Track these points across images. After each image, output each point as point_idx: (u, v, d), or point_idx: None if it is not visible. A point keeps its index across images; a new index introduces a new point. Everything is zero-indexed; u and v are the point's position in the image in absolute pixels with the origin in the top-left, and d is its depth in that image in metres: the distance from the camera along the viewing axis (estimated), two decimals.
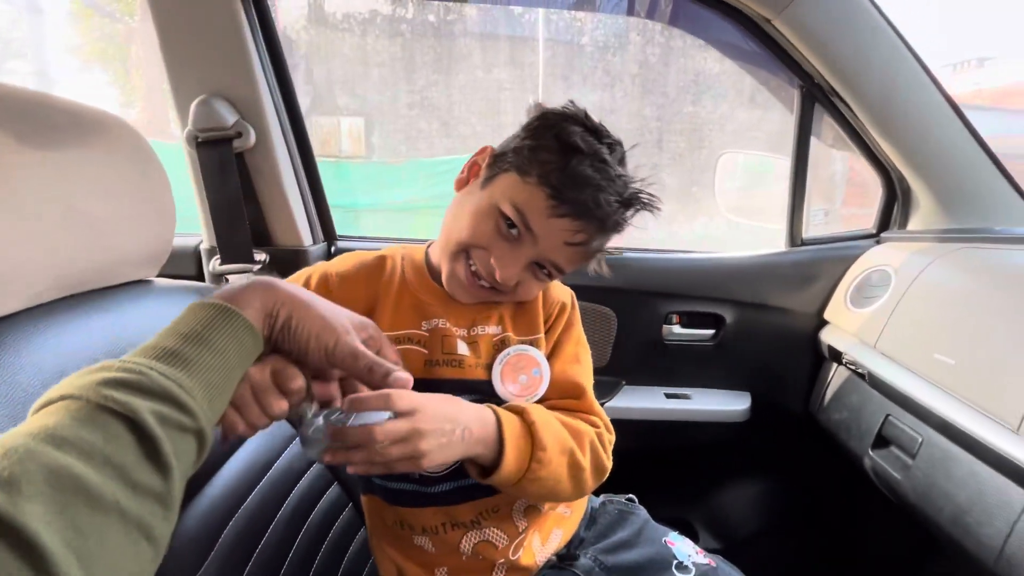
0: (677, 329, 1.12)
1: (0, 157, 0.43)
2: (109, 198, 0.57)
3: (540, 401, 0.62)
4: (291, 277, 0.62)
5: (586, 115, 0.58)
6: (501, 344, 0.62)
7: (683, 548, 0.69)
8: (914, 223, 1.08)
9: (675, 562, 0.66)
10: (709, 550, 0.71)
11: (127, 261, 0.61)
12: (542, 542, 0.65)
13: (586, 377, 0.66)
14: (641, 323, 1.10)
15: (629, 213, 0.57)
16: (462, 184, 0.61)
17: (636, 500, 0.76)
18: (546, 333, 0.65)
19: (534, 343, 0.63)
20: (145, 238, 0.63)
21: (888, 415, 0.87)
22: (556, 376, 0.63)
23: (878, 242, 1.10)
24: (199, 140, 0.88)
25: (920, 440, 0.80)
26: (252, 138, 0.89)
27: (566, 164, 0.53)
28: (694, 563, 0.67)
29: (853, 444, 0.94)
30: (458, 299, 0.61)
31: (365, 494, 0.68)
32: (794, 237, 1.11)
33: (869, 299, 0.99)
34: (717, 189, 1.30)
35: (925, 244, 0.98)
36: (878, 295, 0.97)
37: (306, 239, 0.99)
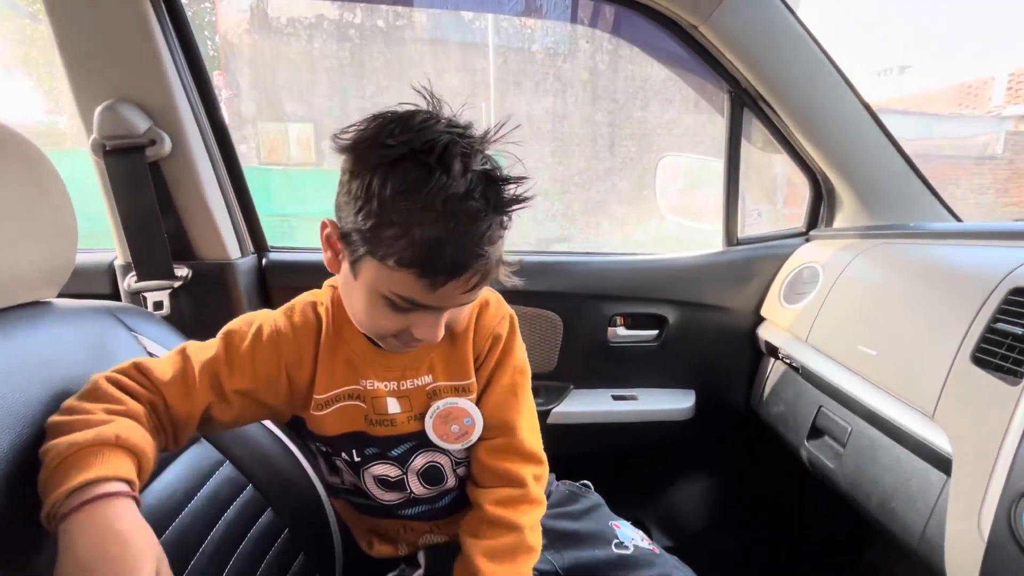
0: (622, 331, 1.13)
1: None
2: None
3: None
4: (236, 321, 0.59)
5: (386, 136, 0.46)
6: (433, 394, 0.61)
7: (628, 532, 0.72)
8: (839, 221, 1.13)
9: (615, 540, 0.69)
10: (662, 548, 0.73)
11: (18, 282, 0.56)
12: None
13: (521, 409, 0.65)
14: (586, 326, 1.10)
15: (506, 221, 0.49)
16: (334, 265, 0.55)
17: (591, 487, 0.79)
18: (478, 370, 0.63)
19: (465, 388, 0.62)
20: (41, 257, 0.57)
21: (821, 406, 0.91)
22: (489, 412, 0.63)
23: (807, 240, 1.15)
24: (107, 149, 0.81)
25: (849, 430, 0.83)
26: (167, 146, 0.83)
27: (413, 236, 0.44)
28: (635, 545, 0.69)
29: (791, 436, 0.97)
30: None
31: (333, 497, 0.74)
32: (730, 237, 1.14)
33: (800, 295, 1.02)
34: (659, 192, 1.33)
35: (849, 241, 1.03)
36: (808, 291, 1.00)
37: (233, 251, 0.94)
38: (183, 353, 0.56)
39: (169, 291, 0.88)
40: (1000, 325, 0.62)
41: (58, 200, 0.58)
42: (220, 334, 0.58)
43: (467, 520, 0.62)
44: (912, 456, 0.70)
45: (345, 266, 0.53)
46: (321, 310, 0.61)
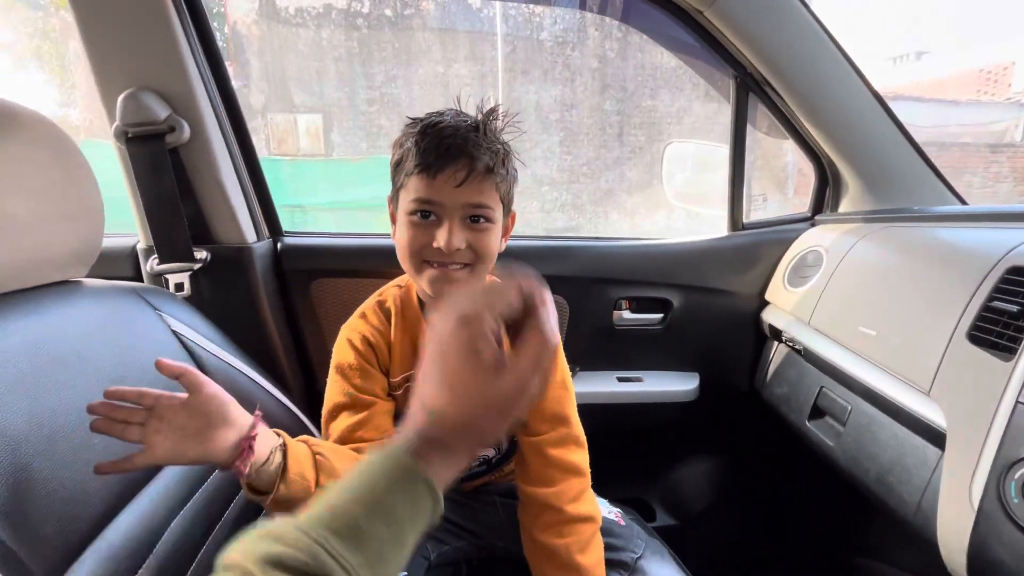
0: (627, 314, 1.15)
1: None
2: (28, 196, 0.54)
3: (531, 434, 0.70)
4: (337, 344, 0.71)
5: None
6: None
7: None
8: (844, 206, 1.14)
9: None
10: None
11: (51, 261, 0.59)
12: None
13: (571, 401, 0.73)
14: (592, 310, 1.12)
15: (489, 135, 0.62)
16: (394, 232, 0.68)
17: None
18: None
19: None
20: (71, 238, 0.61)
21: (822, 387, 0.92)
22: (549, 407, 0.70)
23: (812, 224, 1.15)
24: (129, 136, 0.84)
25: (849, 408, 0.85)
26: (186, 133, 0.86)
27: (418, 146, 0.60)
28: (602, 516, 0.73)
29: (793, 416, 0.99)
30: None
31: None
32: (735, 222, 1.15)
33: (804, 279, 1.04)
34: (665, 178, 1.34)
35: (853, 225, 1.03)
36: (812, 275, 1.02)
37: (249, 236, 0.97)
38: (334, 415, 0.67)
39: (189, 273, 0.91)
40: (996, 303, 0.63)
41: (86, 184, 0.61)
42: (333, 369, 0.70)
43: (544, 522, 0.67)
44: (908, 432, 0.72)
45: (397, 221, 0.66)
46: (384, 300, 0.73)
